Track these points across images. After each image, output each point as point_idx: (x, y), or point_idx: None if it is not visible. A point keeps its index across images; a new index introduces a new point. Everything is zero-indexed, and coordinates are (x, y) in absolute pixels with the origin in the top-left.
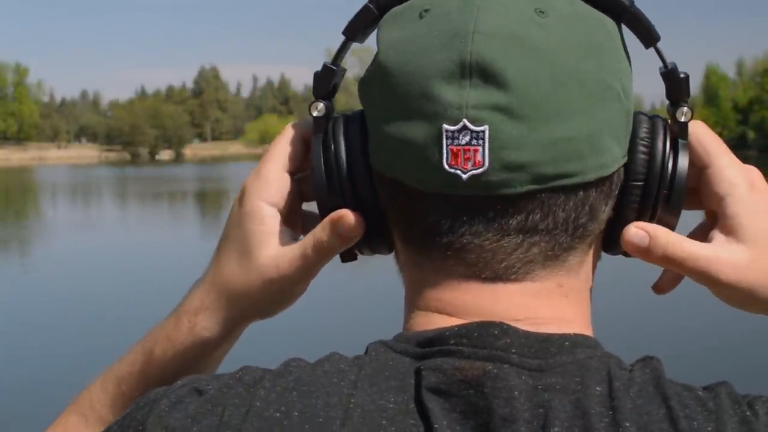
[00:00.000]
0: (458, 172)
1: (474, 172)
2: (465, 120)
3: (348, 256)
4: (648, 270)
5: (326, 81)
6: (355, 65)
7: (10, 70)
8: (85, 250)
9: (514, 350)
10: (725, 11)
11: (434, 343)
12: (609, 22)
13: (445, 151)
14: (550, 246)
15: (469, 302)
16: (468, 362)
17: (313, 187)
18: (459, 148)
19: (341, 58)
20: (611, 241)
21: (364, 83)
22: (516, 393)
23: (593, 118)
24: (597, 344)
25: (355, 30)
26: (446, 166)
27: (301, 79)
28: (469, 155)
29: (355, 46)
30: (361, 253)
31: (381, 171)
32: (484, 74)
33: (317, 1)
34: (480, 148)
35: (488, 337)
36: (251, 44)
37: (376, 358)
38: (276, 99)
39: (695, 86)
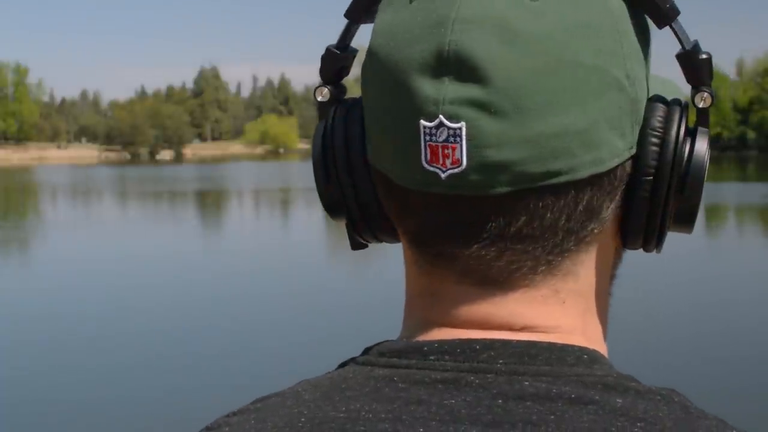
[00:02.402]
0: (437, 170)
1: (452, 171)
2: (441, 116)
3: (357, 244)
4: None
5: (329, 65)
6: (354, 65)
7: (10, 70)
8: (85, 251)
9: (502, 360)
10: (725, 11)
11: (408, 356)
12: (615, 3)
13: (423, 148)
14: (539, 252)
15: (464, 313)
16: (450, 374)
17: (313, 177)
18: (437, 145)
19: (346, 40)
20: (625, 238)
21: (362, 69)
22: (500, 401)
23: (586, 110)
24: (612, 365)
25: (356, 11)
26: (425, 164)
27: (301, 79)
28: (448, 153)
29: (355, 45)
30: (367, 242)
31: (374, 164)
32: (463, 66)
33: (317, 0)
34: (458, 146)
35: (470, 353)
36: (251, 44)
37: (337, 374)
38: (276, 99)
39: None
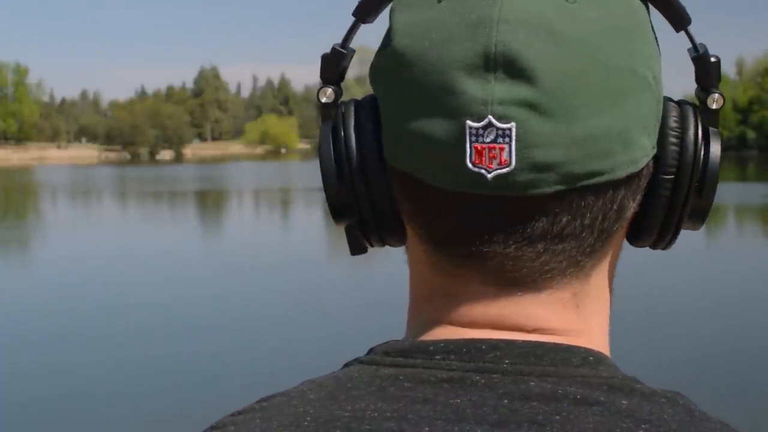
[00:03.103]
0: (483, 171)
1: (499, 171)
2: (490, 116)
3: (358, 249)
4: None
5: (335, 64)
6: (354, 65)
7: (10, 70)
8: (85, 250)
9: (507, 360)
10: (725, 11)
11: (414, 355)
12: (637, 4)
13: (468, 148)
14: (575, 252)
15: (479, 313)
16: (456, 373)
17: (322, 178)
18: (484, 146)
19: (350, 40)
20: (636, 234)
21: (377, 69)
22: (506, 401)
23: (624, 111)
24: (617, 366)
25: (366, 10)
26: (470, 165)
27: (301, 79)
28: (495, 154)
29: (355, 45)
30: (372, 246)
31: (396, 165)
32: (511, 67)
33: (318, 0)
34: (506, 147)
35: (476, 352)
36: (251, 44)
37: (342, 373)
38: (276, 99)
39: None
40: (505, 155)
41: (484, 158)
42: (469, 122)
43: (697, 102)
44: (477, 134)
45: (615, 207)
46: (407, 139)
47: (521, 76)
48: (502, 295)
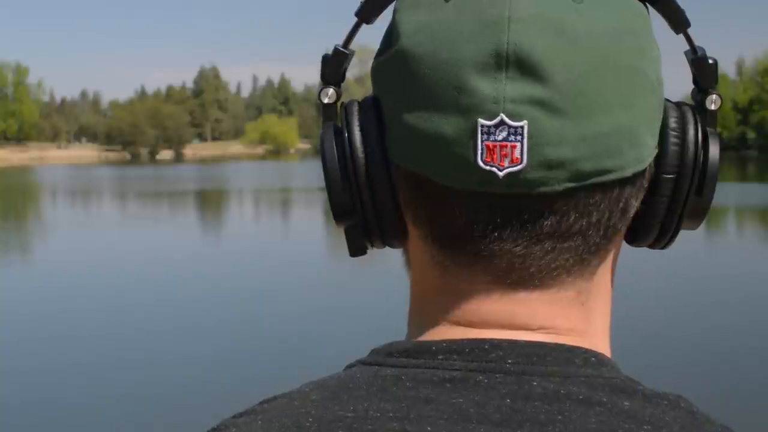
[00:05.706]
0: (494, 169)
1: (511, 169)
2: (502, 115)
3: (358, 250)
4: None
5: (337, 65)
6: (354, 65)
7: (10, 70)
8: (84, 251)
9: (510, 360)
10: (725, 11)
11: (416, 355)
12: (639, 6)
13: (480, 147)
14: (581, 250)
15: (486, 312)
16: (458, 373)
17: (324, 179)
18: (495, 144)
19: (351, 40)
20: (636, 234)
21: (381, 68)
22: (509, 400)
23: (632, 109)
24: (619, 368)
25: (370, 11)
26: (481, 163)
27: (301, 79)
28: (506, 152)
29: (354, 45)
30: (373, 247)
31: (403, 164)
32: (522, 65)
33: (317, 1)
34: (518, 145)
35: (479, 352)
36: (251, 44)
37: (345, 374)
38: (276, 99)
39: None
40: (516, 153)
41: (495, 156)
42: (480, 120)
43: (692, 103)
44: (489, 132)
45: (621, 205)
46: (415, 138)
47: (532, 75)
48: (510, 293)
